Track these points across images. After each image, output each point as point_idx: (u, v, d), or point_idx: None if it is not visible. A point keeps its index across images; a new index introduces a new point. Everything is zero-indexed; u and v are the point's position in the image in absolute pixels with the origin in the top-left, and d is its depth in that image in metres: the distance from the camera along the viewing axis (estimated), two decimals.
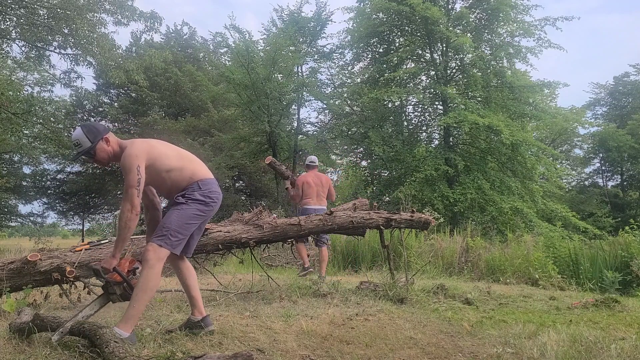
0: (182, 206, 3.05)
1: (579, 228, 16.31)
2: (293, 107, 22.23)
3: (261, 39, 21.16)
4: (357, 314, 4.02)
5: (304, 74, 22.01)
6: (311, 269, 6.48)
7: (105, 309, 4.02)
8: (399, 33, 20.86)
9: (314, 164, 7.10)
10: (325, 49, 22.39)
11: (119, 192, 27.90)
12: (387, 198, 18.76)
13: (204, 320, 3.18)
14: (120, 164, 2.96)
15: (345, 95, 21.98)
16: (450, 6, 20.02)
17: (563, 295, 6.41)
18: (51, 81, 16.80)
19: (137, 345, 2.75)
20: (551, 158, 20.53)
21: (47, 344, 2.74)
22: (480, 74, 18.46)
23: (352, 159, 24.14)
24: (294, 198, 6.90)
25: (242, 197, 26.73)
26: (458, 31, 18.66)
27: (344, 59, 22.37)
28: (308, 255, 9.83)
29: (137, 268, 2.98)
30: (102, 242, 4.37)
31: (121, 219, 2.86)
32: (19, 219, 28.24)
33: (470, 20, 18.97)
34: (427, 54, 20.15)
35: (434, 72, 19.82)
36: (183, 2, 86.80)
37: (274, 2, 53.64)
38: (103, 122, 26.41)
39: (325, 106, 22.22)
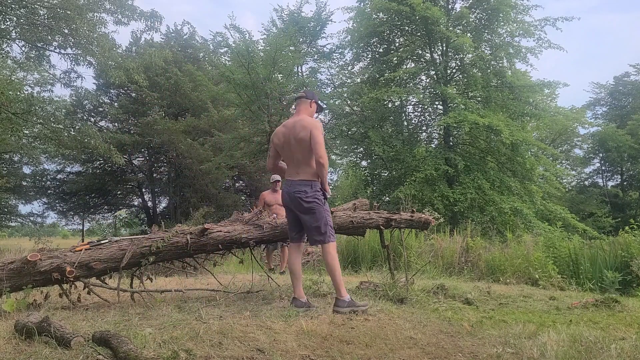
0: None
1: (578, 230, 16.30)
2: (293, 107, 22.18)
3: (261, 38, 21.20)
4: (357, 314, 4.01)
5: (304, 74, 22.03)
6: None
7: (105, 310, 4.02)
8: (399, 33, 20.87)
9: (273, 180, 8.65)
10: (325, 49, 22.44)
11: (118, 192, 27.93)
12: (387, 198, 18.76)
13: (294, 301, 4.07)
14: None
15: (345, 95, 21.98)
16: (450, 6, 20.02)
17: (563, 295, 6.40)
18: (51, 81, 16.80)
19: (140, 345, 2.75)
20: (551, 158, 20.52)
21: (47, 344, 2.73)
22: (480, 74, 18.46)
23: (352, 159, 24.17)
24: None
25: (242, 197, 26.73)
26: (458, 31, 18.66)
27: (344, 59, 22.44)
28: (309, 254, 9.89)
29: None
30: (102, 242, 4.33)
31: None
32: (19, 219, 28.22)
33: (470, 20, 18.97)
34: (427, 54, 20.15)
35: (434, 72, 19.83)
36: (181, 0, 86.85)
37: (274, 2, 53.90)
38: (103, 122, 26.46)
39: (325, 106, 22.19)
